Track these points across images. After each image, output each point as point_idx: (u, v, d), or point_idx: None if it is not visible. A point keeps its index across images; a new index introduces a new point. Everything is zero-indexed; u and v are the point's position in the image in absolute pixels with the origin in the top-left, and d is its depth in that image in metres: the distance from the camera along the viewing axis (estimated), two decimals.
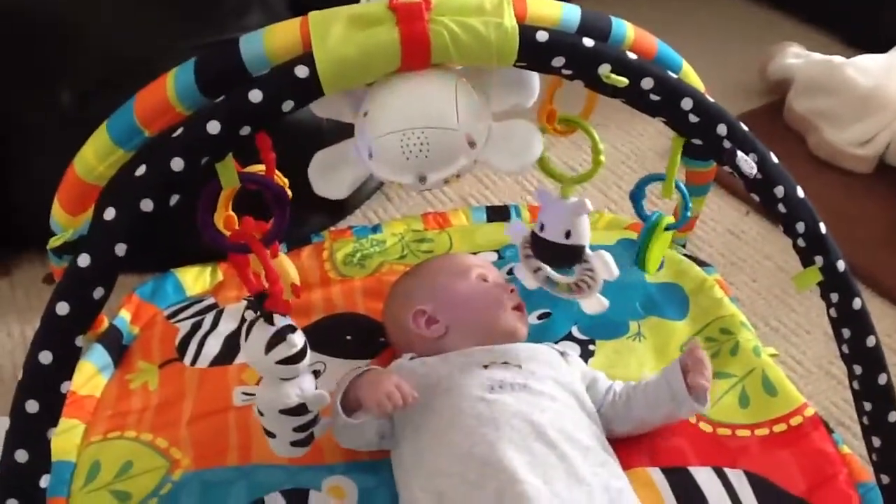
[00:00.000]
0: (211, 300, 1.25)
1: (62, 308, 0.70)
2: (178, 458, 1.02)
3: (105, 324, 1.19)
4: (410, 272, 1.16)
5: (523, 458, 0.87)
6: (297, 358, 0.83)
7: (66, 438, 1.04)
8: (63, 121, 1.25)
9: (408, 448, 0.94)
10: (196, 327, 1.20)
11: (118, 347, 1.18)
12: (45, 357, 0.70)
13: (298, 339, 0.83)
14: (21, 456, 0.71)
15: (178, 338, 1.19)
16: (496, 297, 1.06)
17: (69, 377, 0.72)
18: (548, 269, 1.03)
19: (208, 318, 1.21)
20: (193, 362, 1.15)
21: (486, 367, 0.98)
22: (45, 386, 0.71)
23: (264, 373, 0.86)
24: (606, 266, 0.95)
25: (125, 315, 1.22)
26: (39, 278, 1.35)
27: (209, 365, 1.15)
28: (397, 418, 0.96)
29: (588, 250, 0.96)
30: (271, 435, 0.90)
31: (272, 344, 0.82)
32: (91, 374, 1.13)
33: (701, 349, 0.99)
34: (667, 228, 1.03)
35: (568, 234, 0.95)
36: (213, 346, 1.17)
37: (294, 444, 0.90)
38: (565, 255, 0.97)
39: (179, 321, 1.22)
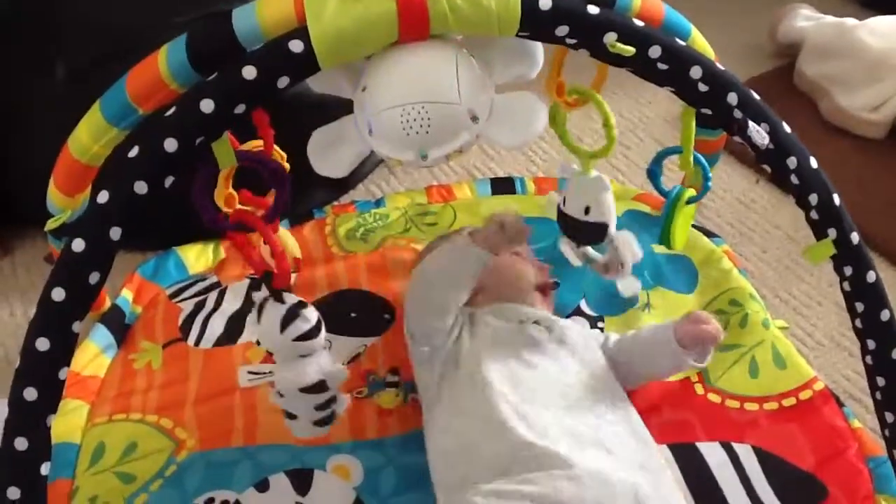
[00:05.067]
0: (214, 278, 1.24)
1: (58, 294, 0.68)
2: (183, 438, 1.01)
3: (107, 303, 1.18)
4: (447, 235, 1.16)
5: (555, 426, 0.85)
6: (313, 333, 0.82)
7: (70, 420, 1.04)
8: (60, 95, 1.23)
9: (446, 387, 0.94)
10: (199, 307, 1.19)
11: (121, 327, 1.17)
12: (42, 344, 0.69)
13: (312, 315, 0.82)
14: (21, 444, 0.70)
15: (181, 318, 1.17)
16: (523, 273, 1.06)
17: (67, 363, 0.70)
18: (588, 247, 1.02)
19: (211, 298, 1.20)
20: (197, 342, 1.14)
21: (521, 322, 0.98)
22: (42, 373, 0.70)
23: (281, 352, 0.85)
24: (628, 246, 0.93)
25: (127, 295, 1.21)
26: (41, 257, 1.34)
27: (213, 345, 1.14)
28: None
29: (612, 230, 0.94)
30: (292, 416, 0.88)
31: (286, 321, 0.81)
32: (94, 355, 1.12)
33: (706, 321, 0.94)
34: (688, 201, 1.01)
35: (587, 210, 0.93)
36: (217, 325, 1.16)
37: (317, 423, 0.89)
38: (587, 232, 0.97)
39: (182, 300, 1.20)
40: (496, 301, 1.02)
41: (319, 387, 0.85)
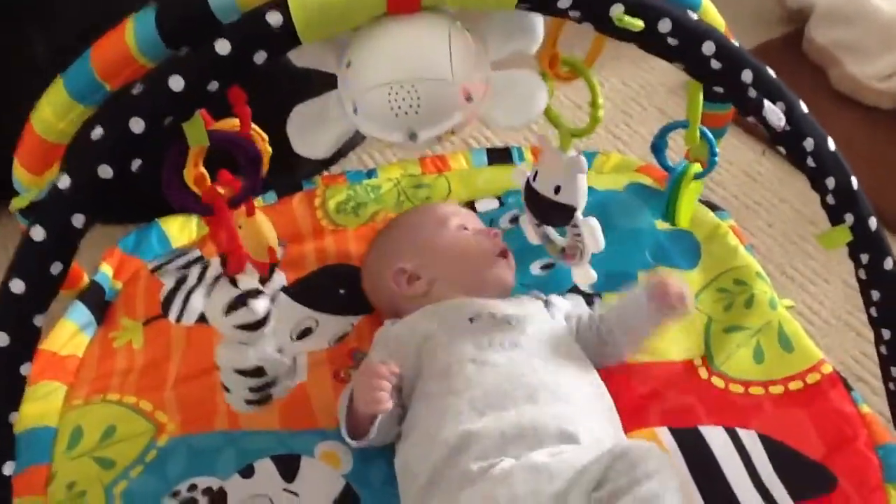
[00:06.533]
0: (197, 253, 1.19)
1: (17, 286, 0.64)
2: (163, 421, 0.98)
3: (85, 280, 1.14)
4: (385, 228, 1.11)
5: (511, 424, 0.82)
6: (256, 326, 0.81)
7: (47, 402, 1.00)
8: (38, 67, 1.17)
9: (412, 403, 0.90)
10: (181, 282, 1.15)
11: (100, 304, 1.13)
12: (2, 339, 0.65)
13: (260, 307, 0.80)
14: None
15: (162, 293, 1.13)
16: (480, 247, 1.02)
17: (29, 359, 0.67)
18: (549, 227, 0.96)
19: (194, 272, 1.16)
20: (178, 319, 1.10)
21: (472, 320, 0.93)
22: (3, 370, 0.66)
23: (222, 332, 0.83)
24: (592, 235, 0.88)
25: (107, 270, 1.17)
26: (18, 232, 1.29)
27: (195, 322, 1.10)
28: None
29: (579, 215, 0.89)
30: (227, 389, 0.88)
31: (232, 307, 0.79)
32: (72, 333, 1.09)
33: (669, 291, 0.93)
34: (695, 177, 0.97)
35: (557, 190, 0.88)
36: (199, 302, 1.11)
37: (249, 402, 0.88)
38: (552, 212, 0.91)
39: (164, 275, 1.16)
40: (457, 292, 0.98)
41: (256, 372, 0.84)
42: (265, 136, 0.78)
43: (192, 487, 0.91)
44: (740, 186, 1.41)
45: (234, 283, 0.78)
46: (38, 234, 0.64)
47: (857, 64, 1.57)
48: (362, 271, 1.10)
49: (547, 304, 1.00)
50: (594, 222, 0.89)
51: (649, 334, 0.98)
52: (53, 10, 1.16)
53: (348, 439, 0.90)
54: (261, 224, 0.83)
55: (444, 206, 1.14)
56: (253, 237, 0.80)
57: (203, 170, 0.72)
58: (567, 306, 1.02)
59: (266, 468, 0.92)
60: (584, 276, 0.94)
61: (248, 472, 0.92)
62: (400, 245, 1.03)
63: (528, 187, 0.94)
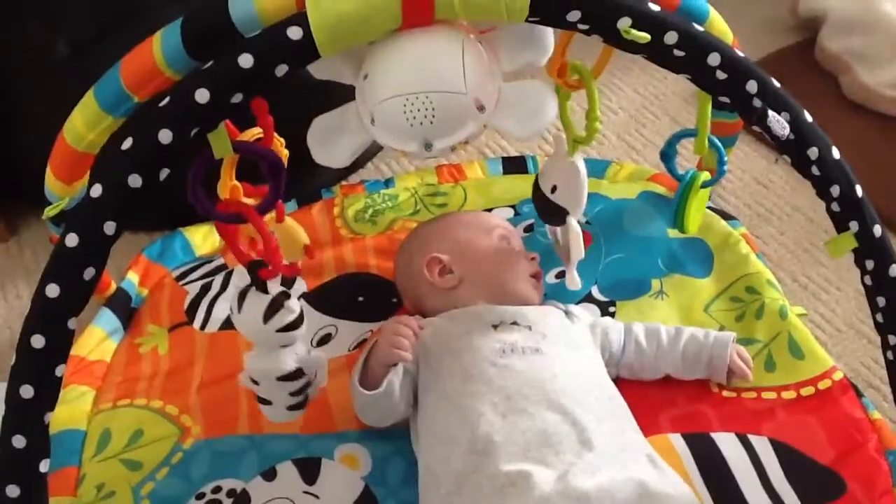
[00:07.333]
0: (220, 260, 1.22)
1: (52, 290, 0.66)
2: (188, 425, 1.00)
3: (112, 287, 1.17)
4: (430, 221, 1.14)
5: (533, 430, 0.84)
6: (296, 324, 0.81)
7: (76, 406, 1.03)
8: (62, 71, 1.20)
9: (420, 412, 0.92)
10: (205, 289, 1.18)
11: (127, 310, 1.16)
12: (38, 341, 0.67)
13: (295, 305, 0.81)
14: (18, 441, 0.69)
15: (186, 301, 1.16)
16: (516, 262, 1.04)
17: (64, 360, 0.69)
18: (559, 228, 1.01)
19: (217, 280, 1.19)
20: (203, 326, 1.13)
21: (495, 326, 0.95)
22: (38, 370, 0.68)
23: (261, 342, 0.84)
24: (577, 242, 0.93)
25: (133, 277, 1.20)
26: (47, 237, 1.33)
27: (219, 329, 1.12)
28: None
29: (569, 219, 0.92)
30: (266, 402, 0.88)
31: (270, 312, 0.79)
32: (100, 339, 1.11)
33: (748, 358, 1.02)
34: (703, 185, 0.99)
35: (553, 190, 0.92)
36: (223, 309, 1.14)
37: (290, 408, 0.88)
38: (548, 211, 0.97)
39: (188, 283, 1.19)
40: (482, 295, 1.00)
41: (295, 374, 0.85)
42: (282, 140, 0.80)
43: (217, 489, 0.93)
44: (752, 195, 1.42)
45: (264, 289, 0.79)
46: (71, 240, 0.66)
47: (869, 72, 1.56)
48: (398, 254, 1.12)
49: (567, 313, 1.02)
50: (578, 230, 0.93)
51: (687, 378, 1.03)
52: (71, 9, 1.18)
53: (358, 387, 0.91)
54: (293, 227, 0.85)
55: (496, 217, 1.17)
56: (286, 240, 0.82)
57: (237, 182, 0.74)
58: (589, 317, 1.04)
59: (288, 471, 0.95)
60: (570, 280, 0.99)
61: (270, 474, 0.94)
62: (443, 236, 1.06)
63: (535, 181, 1.00)
